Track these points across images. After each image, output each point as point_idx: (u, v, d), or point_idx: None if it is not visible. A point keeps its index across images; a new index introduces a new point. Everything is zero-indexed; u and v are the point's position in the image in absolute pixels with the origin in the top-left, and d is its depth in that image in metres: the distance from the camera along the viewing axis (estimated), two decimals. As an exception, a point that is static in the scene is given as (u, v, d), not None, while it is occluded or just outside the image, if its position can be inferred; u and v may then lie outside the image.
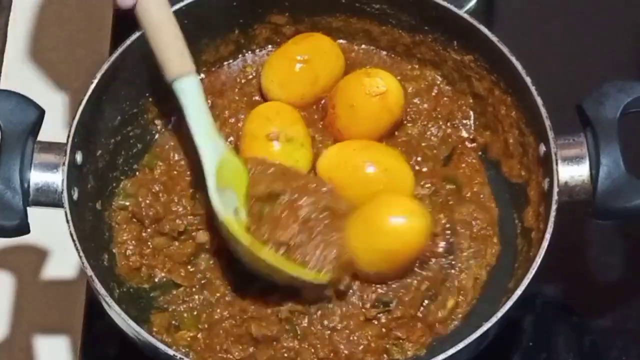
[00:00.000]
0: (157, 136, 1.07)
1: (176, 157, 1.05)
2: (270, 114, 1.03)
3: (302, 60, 1.05)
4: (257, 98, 1.07)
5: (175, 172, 1.04)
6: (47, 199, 0.94)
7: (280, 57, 1.07)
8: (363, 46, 1.10)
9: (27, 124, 0.95)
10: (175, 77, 0.97)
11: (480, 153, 1.06)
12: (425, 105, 1.07)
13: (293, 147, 1.02)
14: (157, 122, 1.07)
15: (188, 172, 1.04)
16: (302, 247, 0.95)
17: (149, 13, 0.96)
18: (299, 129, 1.03)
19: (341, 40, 1.09)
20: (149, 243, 1.02)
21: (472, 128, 1.07)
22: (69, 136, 0.95)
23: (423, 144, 1.05)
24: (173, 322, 0.99)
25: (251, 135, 1.02)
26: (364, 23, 1.08)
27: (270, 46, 1.10)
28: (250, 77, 1.09)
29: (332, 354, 0.96)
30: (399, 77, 1.05)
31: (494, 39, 1.00)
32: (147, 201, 1.02)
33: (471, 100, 1.06)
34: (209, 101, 1.06)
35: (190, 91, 0.98)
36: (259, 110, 1.04)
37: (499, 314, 0.90)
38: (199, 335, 0.98)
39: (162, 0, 0.97)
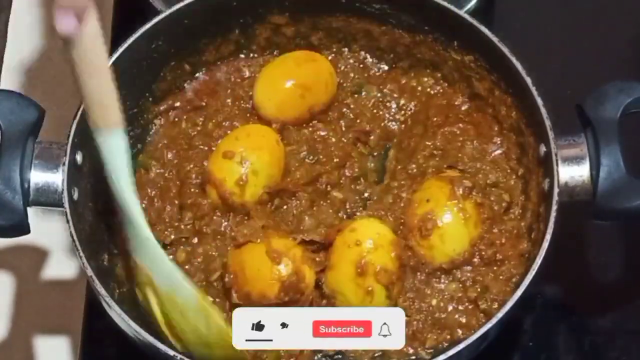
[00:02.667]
0: (151, 134, 1.07)
1: (169, 156, 1.05)
2: (240, 135, 1.02)
3: (300, 87, 1.04)
4: (248, 105, 1.07)
5: (167, 175, 1.04)
6: (47, 199, 0.94)
7: (279, 76, 1.06)
8: (351, 61, 1.10)
9: (27, 124, 0.95)
10: (102, 127, 0.88)
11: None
12: None
13: (243, 169, 0.99)
14: (157, 122, 1.07)
15: (180, 173, 1.04)
16: None
17: (85, 54, 0.84)
18: (261, 155, 1.00)
19: (332, 55, 1.10)
20: None
21: None
22: (69, 136, 0.95)
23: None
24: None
25: (218, 148, 1.02)
26: (364, 23, 1.07)
27: (268, 51, 1.10)
28: (246, 76, 1.09)
29: None
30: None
31: (494, 39, 1.00)
32: (143, 205, 1.01)
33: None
34: (204, 102, 1.07)
35: (115, 147, 0.89)
36: (237, 129, 1.04)
37: (499, 314, 0.90)
38: None
39: (102, 45, 0.85)
